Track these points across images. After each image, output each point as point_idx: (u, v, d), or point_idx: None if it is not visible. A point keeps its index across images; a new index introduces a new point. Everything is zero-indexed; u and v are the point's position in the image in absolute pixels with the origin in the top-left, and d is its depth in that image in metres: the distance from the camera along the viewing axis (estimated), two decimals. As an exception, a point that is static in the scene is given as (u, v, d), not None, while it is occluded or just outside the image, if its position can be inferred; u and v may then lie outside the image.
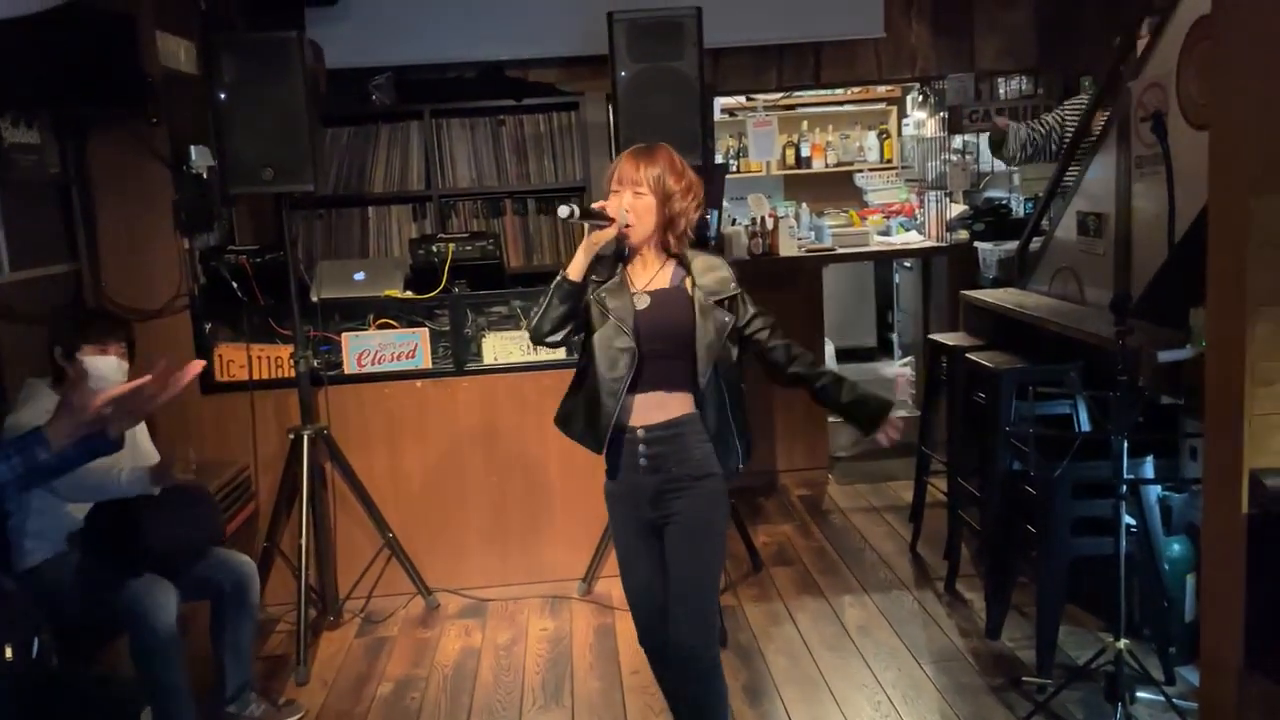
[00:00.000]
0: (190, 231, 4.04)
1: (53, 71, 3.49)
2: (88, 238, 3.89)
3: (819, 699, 3.34)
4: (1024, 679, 3.34)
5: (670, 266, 2.57)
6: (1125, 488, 2.96)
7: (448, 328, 4.19)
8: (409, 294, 4.21)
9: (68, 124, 3.77)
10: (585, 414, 2.58)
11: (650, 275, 2.56)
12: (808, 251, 5.67)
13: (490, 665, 3.72)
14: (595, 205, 2.51)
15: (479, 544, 4.30)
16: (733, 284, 2.55)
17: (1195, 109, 3.16)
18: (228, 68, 3.69)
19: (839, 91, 7.60)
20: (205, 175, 4.02)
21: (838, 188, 7.70)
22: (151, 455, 3.40)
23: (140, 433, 3.39)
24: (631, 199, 2.49)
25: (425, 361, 4.20)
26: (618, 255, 2.58)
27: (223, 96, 3.69)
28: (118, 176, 3.89)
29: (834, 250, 5.74)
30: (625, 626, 3.94)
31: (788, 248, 5.55)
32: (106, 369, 3.13)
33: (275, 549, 4.00)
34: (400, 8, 5.13)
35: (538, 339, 2.54)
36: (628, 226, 2.49)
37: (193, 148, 3.96)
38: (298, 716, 3.38)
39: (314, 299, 4.11)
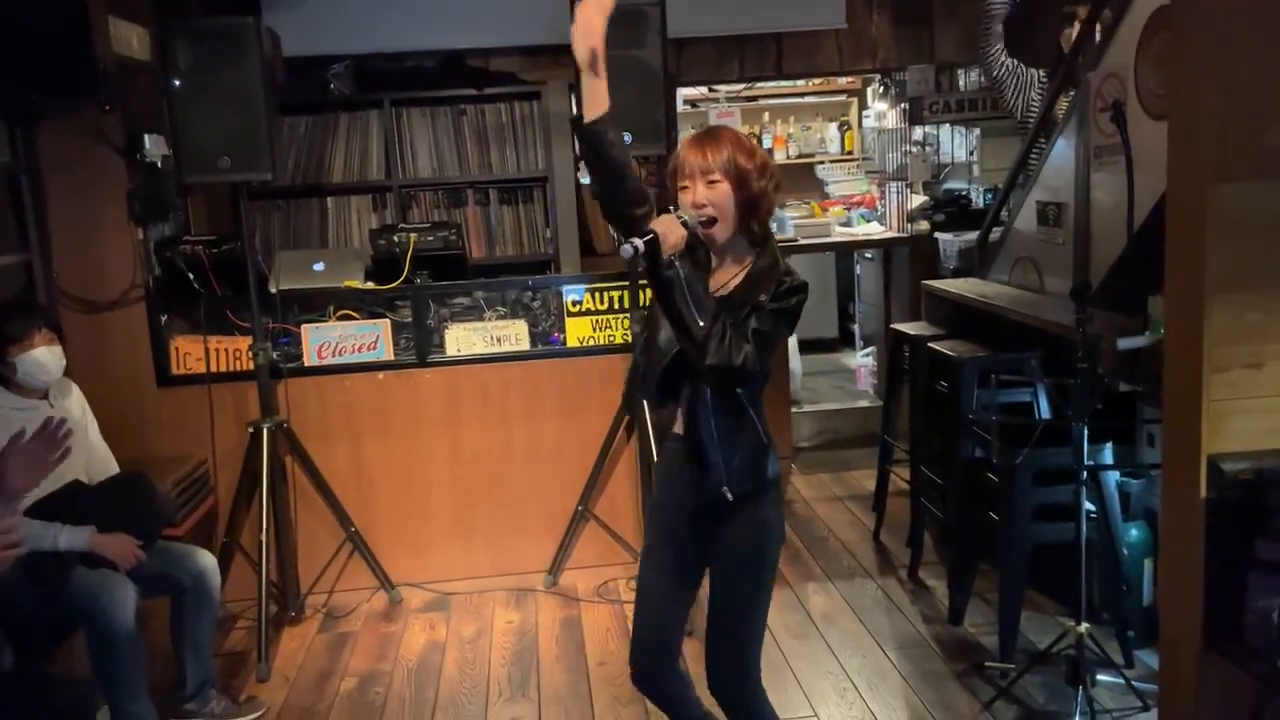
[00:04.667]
0: (145, 221, 3.96)
1: (2, 58, 3.40)
2: (39, 228, 3.81)
3: (784, 686, 3.35)
4: (986, 664, 3.38)
5: (745, 265, 2.31)
6: (1085, 474, 3.00)
7: (410, 319, 4.15)
8: (370, 285, 4.17)
9: (17, 111, 3.68)
10: (634, 368, 2.44)
11: (729, 275, 2.30)
12: (770, 242, 5.67)
13: (455, 659, 3.69)
14: (652, 225, 2.14)
15: (443, 537, 4.27)
16: (762, 297, 2.25)
17: (1153, 99, 3.20)
18: (182, 54, 3.61)
19: (800, 83, 7.62)
20: (160, 164, 3.95)
21: (799, 179, 7.72)
22: (103, 452, 3.35)
23: (92, 429, 3.33)
24: (705, 190, 2.23)
25: (387, 353, 4.15)
26: (703, 247, 2.31)
27: (177, 84, 3.62)
28: (70, 165, 3.81)
29: (796, 241, 5.75)
30: (591, 618, 3.94)
31: (751, 238, 5.54)
32: (39, 360, 3.06)
33: (235, 544, 3.94)
34: (359, -5, 5.07)
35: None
36: (706, 224, 2.24)
37: (147, 136, 3.89)
38: (259, 713, 3.34)
39: (273, 290, 4.05)
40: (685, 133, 7.54)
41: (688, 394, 2.33)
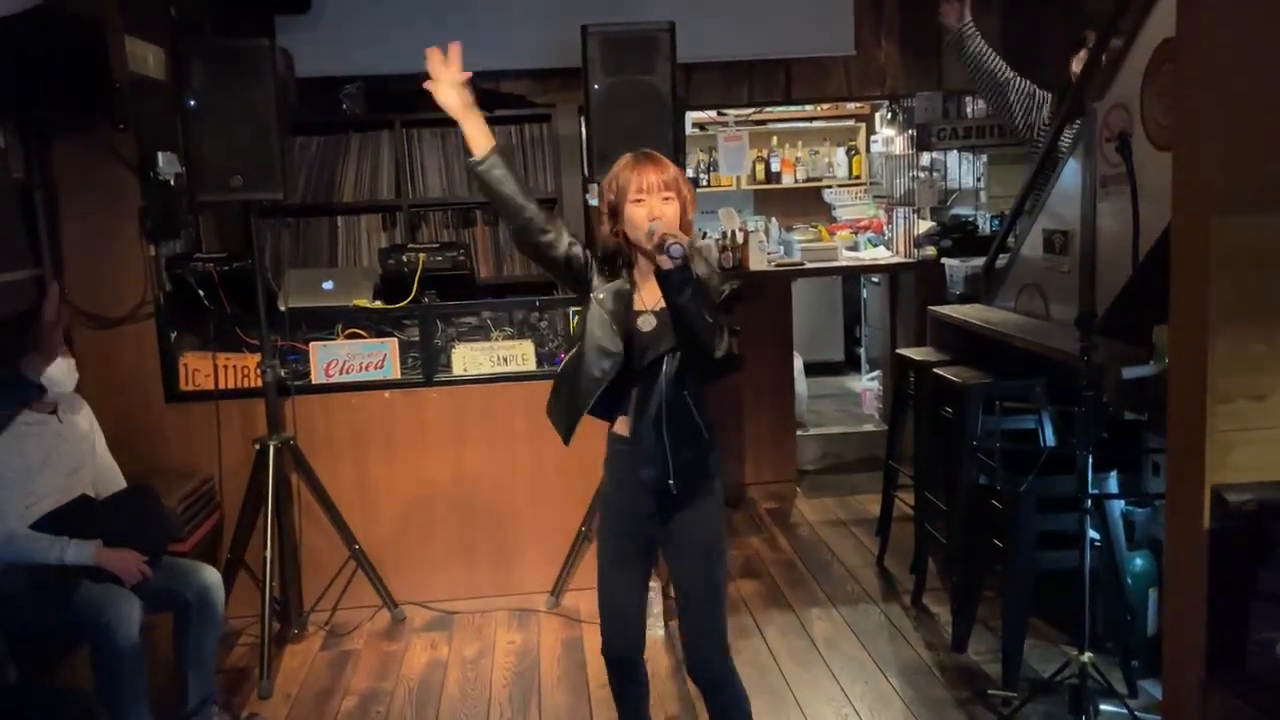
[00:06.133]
0: (156, 238, 3.99)
1: (19, 75, 3.44)
2: (51, 243, 3.84)
3: (786, 712, 3.34)
4: (989, 692, 3.37)
5: None
6: (1089, 502, 3.00)
7: (417, 338, 4.17)
8: (378, 304, 4.19)
9: (33, 128, 3.72)
10: (564, 401, 2.57)
11: (658, 291, 2.43)
12: (777, 266, 5.70)
13: (457, 678, 3.69)
14: (654, 227, 2.35)
15: (446, 556, 4.28)
16: (725, 285, 2.49)
17: (1159, 130, 3.21)
18: (197, 74, 3.66)
19: (809, 108, 7.67)
20: (173, 182, 3.98)
21: (807, 203, 7.76)
22: (111, 467, 3.36)
23: (99, 444, 3.35)
24: (661, 205, 2.42)
25: (394, 372, 4.17)
26: (622, 259, 2.52)
27: (192, 103, 3.67)
28: (83, 182, 3.85)
29: (803, 265, 5.77)
30: (593, 640, 3.92)
31: (757, 262, 5.58)
32: (55, 373, 3.08)
33: (239, 561, 3.95)
34: (372, 17, 5.12)
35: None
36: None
37: (160, 154, 3.93)
38: (260, 730, 3.34)
39: (282, 308, 4.07)
40: (693, 156, 7.63)
41: (636, 398, 2.49)
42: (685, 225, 2.47)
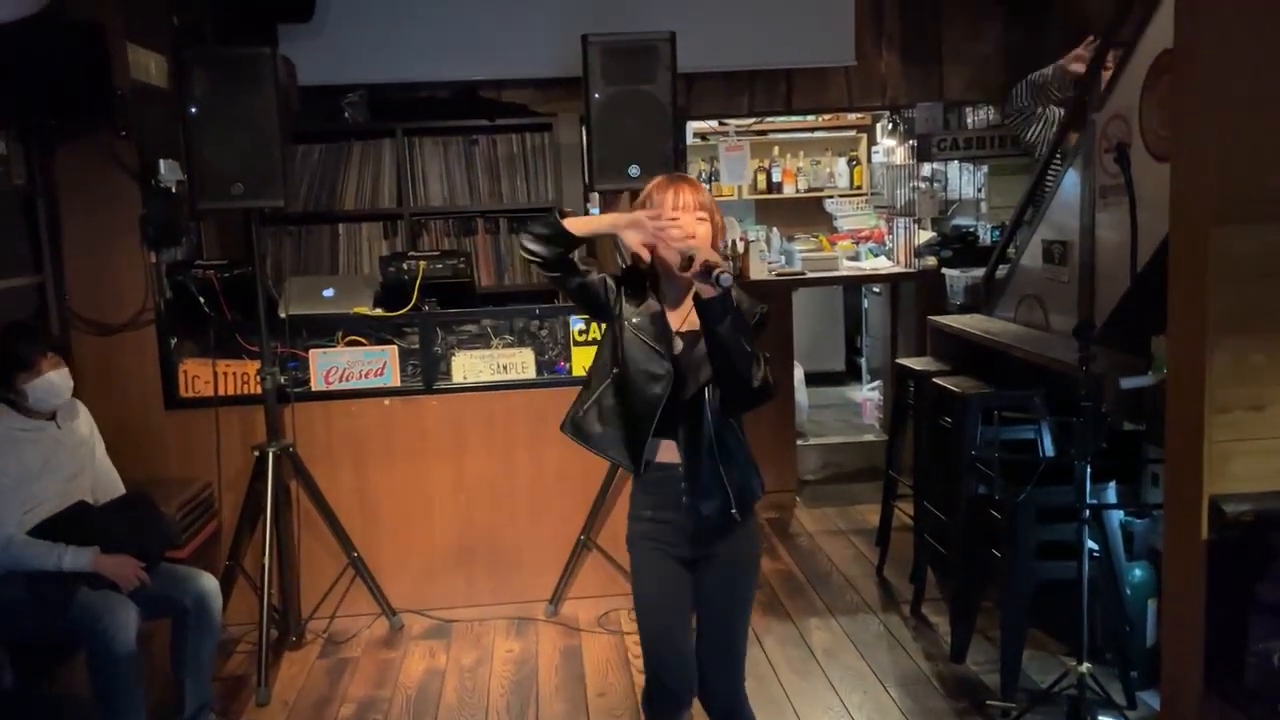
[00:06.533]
0: (158, 245, 4.00)
1: (21, 81, 3.46)
2: (53, 250, 3.85)
3: (784, 722, 3.33)
4: (988, 702, 3.36)
5: None
6: (1088, 513, 3.00)
7: (417, 346, 4.18)
8: (378, 311, 4.19)
9: (35, 135, 3.73)
10: (619, 429, 2.43)
11: (685, 311, 2.41)
12: (778, 275, 5.71)
13: (455, 687, 3.68)
14: (693, 250, 2.26)
15: (445, 564, 4.27)
16: (758, 308, 2.42)
17: (1157, 141, 3.22)
18: (199, 82, 3.67)
19: (810, 118, 7.68)
20: (174, 189, 3.99)
21: (808, 213, 7.76)
22: (110, 473, 3.37)
23: (99, 450, 3.35)
24: (695, 224, 2.35)
25: (394, 379, 4.17)
26: (647, 281, 2.44)
27: (193, 111, 3.67)
28: (85, 189, 3.86)
29: (804, 274, 5.78)
30: (592, 649, 3.93)
31: (758, 271, 5.58)
32: (49, 385, 3.08)
33: (238, 568, 3.95)
34: (374, 26, 5.13)
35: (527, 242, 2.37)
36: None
37: (162, 161, 3.94)
38: (257, 738, 3.34)
39: (282, 315, 4.08)
40: (695, 165, 7.64)
41: (685, 431, 2.40)
42: (717, 250, 2.38)
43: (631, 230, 2.34)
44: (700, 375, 2.37)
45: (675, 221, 2.33)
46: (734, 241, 5.62)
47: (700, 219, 2.37)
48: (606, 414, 2.44)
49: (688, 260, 2.24)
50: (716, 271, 2.18)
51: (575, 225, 2.34)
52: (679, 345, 2.40)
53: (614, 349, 2.42)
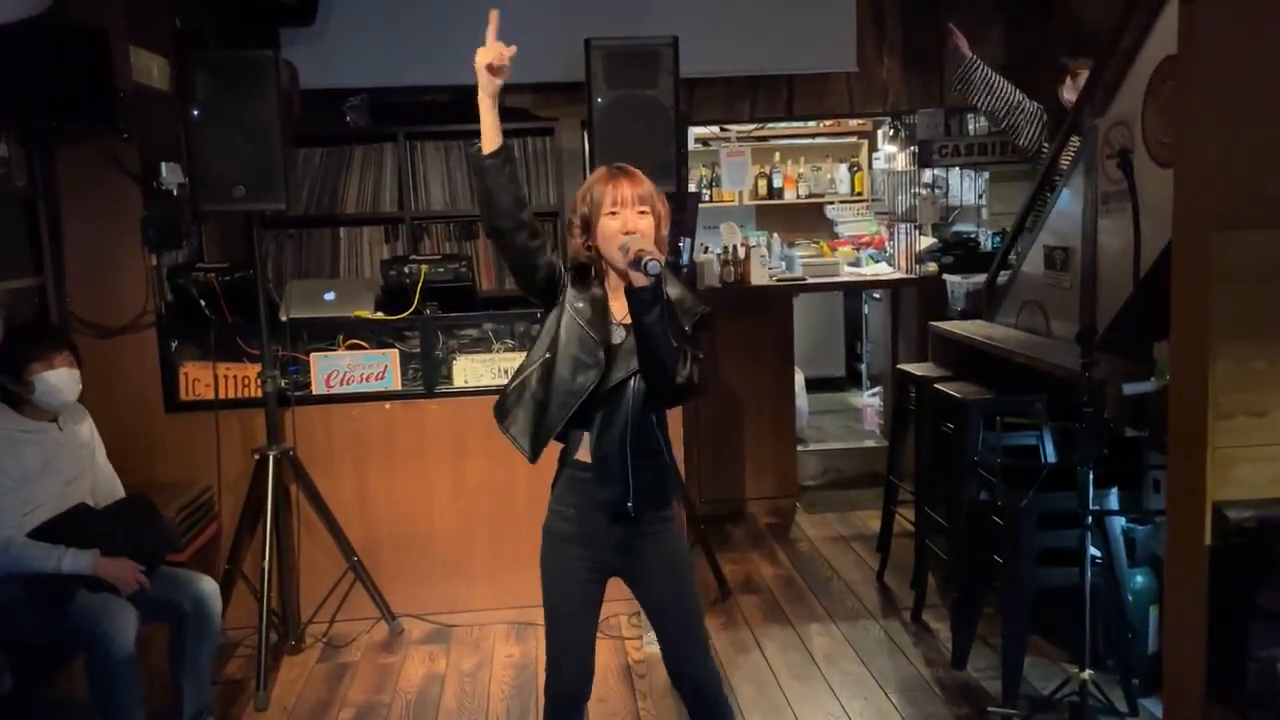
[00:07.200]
0: (159, 248, 4.00)
1: (23, 84, 3.46)
2: (53, 252, 3.85)
3: (785, 728, 3.32)
4: (989, 709, 3.35)
5: None
6: (1090, 519, 2.99)
7: (418, 349, 4.17)
8: (379, 315, 4.19)
9: (37, 137, 3.73)
10: (530, 414, 2.46)
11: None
12: (778, 281, 5.71)
13: (454, 692, 3.67)
14: (629, 242, 2.31)
15: (445, 569, 4.26)
16: (699, 308, 2.47)
17: (1160, 147, 3.22)
18: (201, 85, 3.67)
19: (811, 124, 7.68)
20: (175, 192, 3.99)
21: (809, 219, 7.76)
22: (110, 476, 3.36)
23: (99, 453, 3.35)
24: (636, 219, 2.37)
25: (395, 383, 4.17)
26: (594, 273, 2.46)
27: (195, 114, 3.67)
28: (86, 191, 3.85)
29: (804, 280, 5.78)
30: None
31: (759, 277, 5.58)
32: (59, 380, 3.10)
33: (237, 571, 3.94)
34: (376, 30, 5.13)
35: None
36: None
37: (163, 164, 3.94)
38: (256, 742, 3.33)
39: (283, 318, 4.08)
40: (696, 171, 7.63)
41: (600, 419, 2.43)
42: (659, 241, 2.41)
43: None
44: (629, 365, 2.40)
45: (615, 215, 2.37)
46: (735, 247, 5.62)
47: (641, 212, 2.38)
48: (525, 396, 2.48)
49: (623, 251, 2.29)
50: (645, 259, 2.20)
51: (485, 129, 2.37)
52: (619, 335, 2.42)
53: (552, 335, 2.44)
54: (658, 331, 2.27)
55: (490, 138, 2.37)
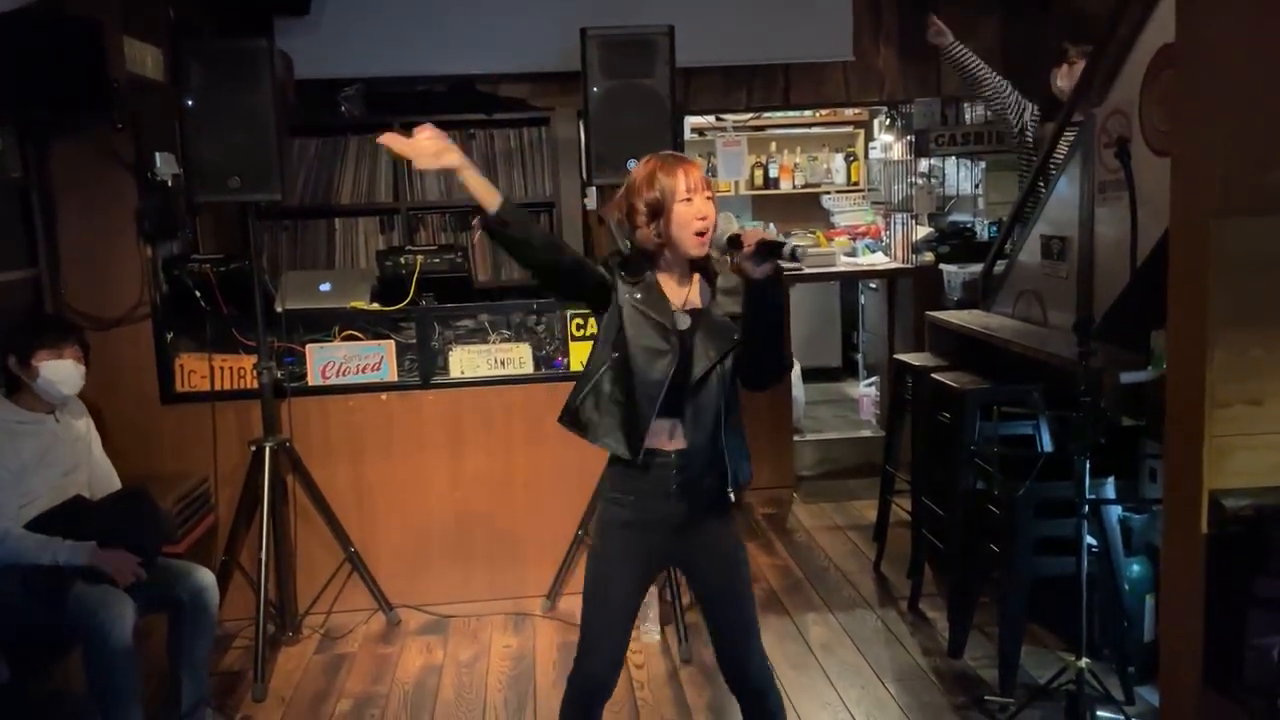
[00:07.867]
0: (154, 239, 3.99)
1: (16, 74, 3.44)
2: (48, 243, 3.83)
3: (782, 717, 3.32)
4: (986, 698, 3.36)
5: (697, 279, 2.44)
6: (1087, 508, 2.99)
7: (414, 340, 4.17)
8: (375, 306, 4.18)
9: (31, 128, 3.71)
10: (616, 416, 2.39)
11: (685, 290, 2.42)
12: (775, 271, 5.69)
13: (452, 682, 3.68)
14: (733, 231, 2.29)
15: (442, 559, 4.26)
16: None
17: (1157, 136, 3.21)
18: (195, 75, 3.65)
19: (807, 114, 7.67)
20: (170, 183, 3.97)
21: (805, 208, 7.76)
22: (106, 468, 3.36)
23: (95, 445, 3.34)
24: (707, 204, 2.33)
25: (391, 374, 4.16)
26: (646, 261, 2.42)
27: (190, 104, 3.66)
28: (80, 182, 3.84)
29: (800, 270, 5.77)
30: (589, 643, 3.92)
31: (755, 267, 5.57)
32: (64, 372, 3.10)
33: (234, 563, 3.94)
34: (371, 20, 5.11)
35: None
36: (702, 235, 2.34)
37: (158, 155, 3.92)
38: (254, 733, 3.33)
39: (279, 309, 4.06)
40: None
41: (691, 410, 2.39)
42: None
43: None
44: (710, 353, 2.37)
45: (690, 202, 2.32)
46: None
47: (709, 198, 2.35)
48: (604, 401, 2.42)
49: (732, 241, 2.22)
50: (787, 247, 2.16)
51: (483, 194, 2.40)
52: (684, 322, 2.38)
53: (615, 333, 2.39)
54: (775, 321, 2.28)
55: (487, 200, 2.37)
